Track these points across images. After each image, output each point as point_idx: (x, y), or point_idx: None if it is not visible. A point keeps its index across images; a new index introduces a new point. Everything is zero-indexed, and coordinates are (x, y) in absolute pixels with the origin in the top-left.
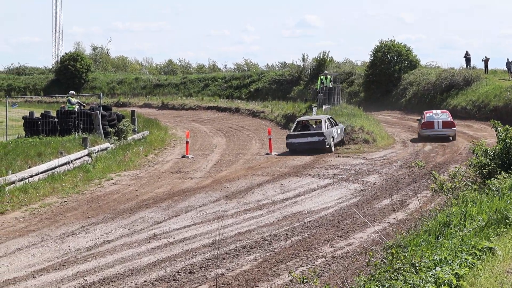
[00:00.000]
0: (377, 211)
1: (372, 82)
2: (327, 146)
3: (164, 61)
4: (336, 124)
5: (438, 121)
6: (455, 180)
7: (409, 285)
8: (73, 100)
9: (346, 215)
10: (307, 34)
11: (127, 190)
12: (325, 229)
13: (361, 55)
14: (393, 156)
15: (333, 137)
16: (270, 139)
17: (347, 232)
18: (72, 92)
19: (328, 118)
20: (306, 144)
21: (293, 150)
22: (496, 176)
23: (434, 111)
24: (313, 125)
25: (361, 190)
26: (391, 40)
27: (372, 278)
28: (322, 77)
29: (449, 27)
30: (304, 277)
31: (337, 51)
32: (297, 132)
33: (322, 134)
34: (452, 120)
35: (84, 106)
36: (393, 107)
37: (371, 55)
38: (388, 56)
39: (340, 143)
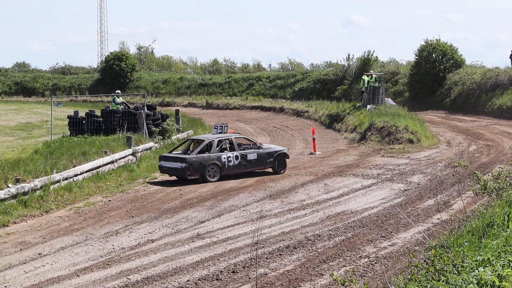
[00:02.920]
0: (421, 211)
1: (416, 81)
2: (192, 177)
3: (209, 61)
4: (258, 148)
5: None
6: (499, 180)
7: (451, 286)
8: (118, 100)
9: (390, 215)
10: (353, 34)
11: (171, 190)
12: (369, 229)
13: (406, 55)
14: (438, 156)
15: (218, 164)
16: (314, 139)
17: (391, 232)
18: (118, 91)
19: (219, 140)
20: (170, 170)
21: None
22: None
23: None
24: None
25: (405, 190)
26: (436, 40)
27: (414, 279)
28: (363, 77)
29: (495, 27)
30: (345, 280)
31: (382, 50)
32: (168, 154)
33: (184, 160)
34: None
35: (129, 107)
36: (437, 106)
37: (416, 54)
38: (433, 55)
39: (279, 168)
